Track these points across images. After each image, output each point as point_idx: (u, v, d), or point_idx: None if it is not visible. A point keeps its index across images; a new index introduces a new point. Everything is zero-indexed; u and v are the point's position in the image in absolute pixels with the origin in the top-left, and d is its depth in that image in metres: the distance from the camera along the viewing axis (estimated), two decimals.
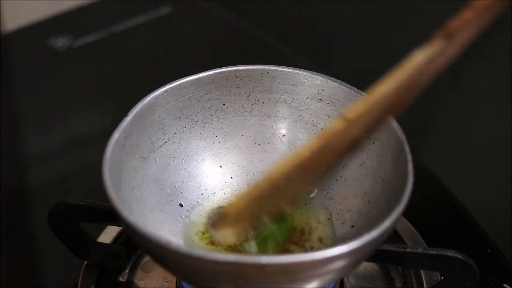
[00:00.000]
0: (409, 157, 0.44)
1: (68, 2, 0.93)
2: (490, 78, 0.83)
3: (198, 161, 0.52)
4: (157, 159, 0.50)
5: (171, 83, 0.50)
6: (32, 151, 0.73)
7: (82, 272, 0.53)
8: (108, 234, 0.56)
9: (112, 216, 0.49)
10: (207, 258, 0.38)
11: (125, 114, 0.47)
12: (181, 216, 0.50)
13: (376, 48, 0.87)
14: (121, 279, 0.54)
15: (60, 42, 0.86)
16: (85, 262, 0.53)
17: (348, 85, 0.50)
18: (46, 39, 0.86)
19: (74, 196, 0.50)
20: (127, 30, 0.88)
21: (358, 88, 0.50)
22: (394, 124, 0.47)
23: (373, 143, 0.49)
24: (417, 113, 0.78)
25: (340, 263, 0.40)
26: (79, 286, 0.52)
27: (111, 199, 0.41)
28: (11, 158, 0.72)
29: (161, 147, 0.50)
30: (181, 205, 0.50)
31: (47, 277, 0.59)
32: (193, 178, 0.52)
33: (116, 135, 0.45)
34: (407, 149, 0.45)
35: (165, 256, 0.40)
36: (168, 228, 0.48)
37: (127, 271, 0.55)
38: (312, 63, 0.80)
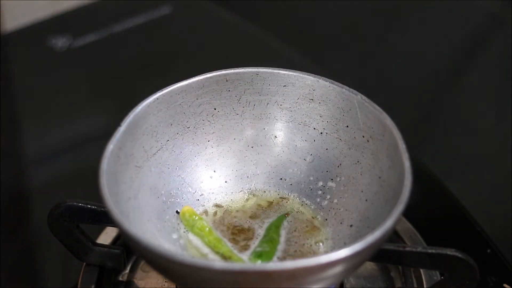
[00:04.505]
0: (406, 155, 0.44)
1: (68, 2, 0.93)
2: (490, 78, 0.83)
3: (192, 167, 0.52)
4: (152, 168, 0.49)
5: (162, 90, 0.49)
6: (32, 151, 0.73)
7: (82, 272, 0.52)
8: (107, 235, 0.56)
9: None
10: (213, 268, 0.38)
11: (124, 115, 0.47)
12: (178, 223, 0.50)
13: (376, 48, 0.87)
14: (121, 279, 0.54)
15: (60, 42, 0.86)
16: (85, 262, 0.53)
17: (340, 84, 0.50)
18: (46, 39, 0.86)
19: (74, 197, 0.50)
20: (127, 30, 0.88)
21: (356, 88, 0.50)
22: (388, 122, 0.46)
23: (367, 141, 0.49)
24: (417, 113, 0.78)
25: (344, 266, 0.40)
26: (79, 286, 0.52)
27: (111, 212, 0.41)
28: (11, 158, 0.71)
29: (154, 155, 0.50)
30: (177, 212, 0.50)
31: (47, 277, 0.59)
32: (188, 184, 0.52)
33: (111, 146, 0.45)
34: (403, 146, 0.45)
35: (169, 267, 0.40)
36: (165, 236, 0.48)
37: (127, 271, 0.54)
38: (311, 63, 0.80)
